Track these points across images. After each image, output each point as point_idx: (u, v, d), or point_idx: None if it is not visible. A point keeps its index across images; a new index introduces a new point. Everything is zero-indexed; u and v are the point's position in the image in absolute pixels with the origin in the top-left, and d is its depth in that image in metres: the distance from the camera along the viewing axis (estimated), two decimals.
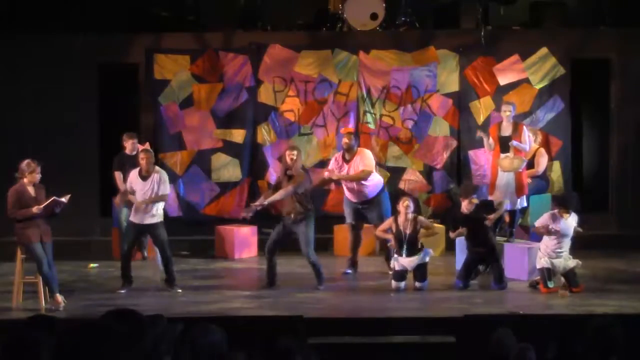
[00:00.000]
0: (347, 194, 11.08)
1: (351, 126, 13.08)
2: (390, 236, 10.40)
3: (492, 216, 10.48)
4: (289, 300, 9.94)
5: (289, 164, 10.29)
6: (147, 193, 10.24)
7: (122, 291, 10.27)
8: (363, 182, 10.90)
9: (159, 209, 10.34)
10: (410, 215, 10.30)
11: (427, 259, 10.36)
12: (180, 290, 10.28)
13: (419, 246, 10.36)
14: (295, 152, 10.34)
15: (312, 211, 10.32)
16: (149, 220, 10.28)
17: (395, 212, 10.46)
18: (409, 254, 10.25)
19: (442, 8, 13.82)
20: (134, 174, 10.39)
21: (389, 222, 10.45)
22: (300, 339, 7.52)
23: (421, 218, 10.60)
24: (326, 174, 11.18)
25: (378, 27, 13.20)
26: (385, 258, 11.18)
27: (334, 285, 10.71)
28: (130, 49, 13.26)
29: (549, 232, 10.11)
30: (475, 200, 10.49)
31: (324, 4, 13.62)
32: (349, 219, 11.17)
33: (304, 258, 10.38)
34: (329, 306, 9.78)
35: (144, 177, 10.29)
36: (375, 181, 11.02)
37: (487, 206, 10.68)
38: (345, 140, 11.09)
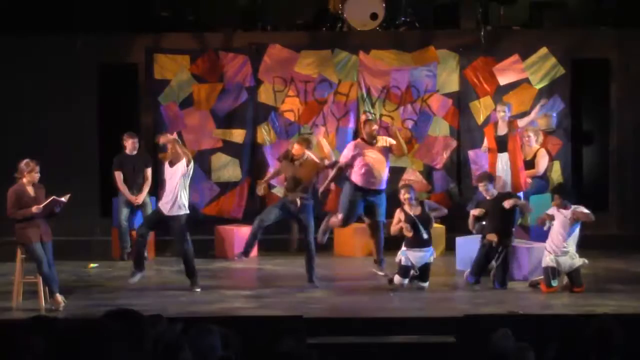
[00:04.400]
0: (363, 179, 10.81)
1: (352, 125, 13.09)
2: (404, 225, 10.28)
3: (508, 202, 10.39)
4: (289, 300, 9.95)
5: (295, 154, 10.48)
6: (174, 179, 10.26)
7: (134, 280, 10.28)
8: (385, 169, 10.87)
9: (182, 200, 10.28)
10: (414, 202, 10.34)
11: (432, 260, 10.36)
12: (198, 290, 10.29)
13: (433, 225, 10.40)
14: (296, 146, 10.54)
15: (312, 200, 10.51)
16: (171, 212, 10.26)
17: (399, 204, 10.45)
18: (428, 235, 10.23)
19: (442, 8, 13.81)
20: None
21: (396, 214, 10.42)
22: (300, 339, 7.51)
23: (427, 201, 10.66)
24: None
25: (378, 27, 13.20)
26: (374, 260, 11.19)
27: (334, 285, 10.71)
28: (130, 49, 13.26)
29: (548, 217, 10.22)
30: (483, 186, 10.47)
31: (324, 4, 13.62)
32: (345, 210, 10.90)
33: (304, 244, 10.48)
34: (329, 306, 9.78)
35: (171, 162, 10.38)
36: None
37: (506, 196, 10.61)
38: (375, 127, 10.94)
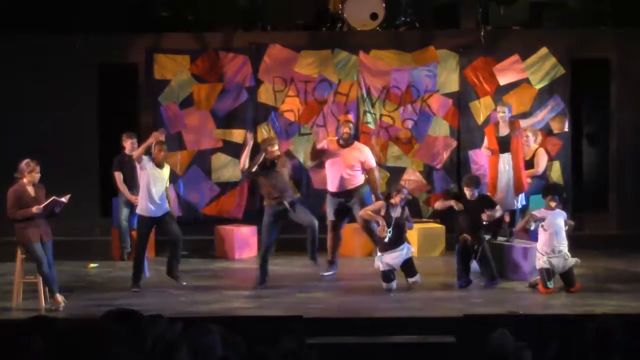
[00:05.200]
0: (330, 185, 11.09)
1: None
2: (379, 218, 10.29)
3: (486, 215, 10.41)
4: (288, 300, 9.95)
5: (275, 156, 10.50)
6: (163, 181, 10.42)
7: (138, 289, 10.34)
8: (350, 172, 11.02)
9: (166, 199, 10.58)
10: (402, 203, 10.31)
11: (410, 254, 10.35)
12: (184, 283, 10.45)
13: (405, 233, 10.36)
14: (276, 147, 10.56)
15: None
16: (164, 210, 10.45)
17: (387, 199, 10.42)
18: (395, 239, 10.21)
19: (442, 8, 13.81)
20: (148, 161, 10.43)
21: (379, 204, 10.42)
22: (299, 339, 7.50)
23: (407, 211, 10.56)
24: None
25: (378, 27, 13.20)
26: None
27: (334, 285, 10.72)
28: (130, 49, 13.26)
29: (532, 219, 10.18)
30: (469, 191, 10.45)
31: (324, 4, 13.62)
32: (330, 216, 11.18)
33: (309, 228, 10.51)
34: (329, 306, 9.77)
35: (159, 165, 10.47)
36: (360, 175, 11.15)
37: (486, 200, 10.62)
38: (346, 130, 11.10)
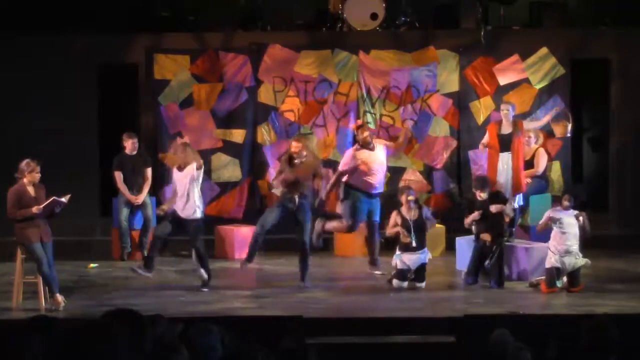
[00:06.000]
0: (374, 185, 10.97)
1: (352, 124, 13.08)
2: (401, 230, 10.28)
3: (494, 208, 10.40)
4: (288, 300, 9.95)
5: (294, 152, 10.44)
6: (184, 183, 10.18)
7: (150, 274, 10.31)
8: (384, 172, 11.14)
9: (195, 202, 10.25)
10: (413, 205, 10.33)
11: (427, 260, 10.36)
12: (205, 290, 10.27)
13: (427, 230, 10.38)
14: (295, 143, 10.56)
15: (309, 199, 10.55)
16: (186, 214, 10.23)
17: (397, 205, 10.44)
18: (419, 242, 10.23)
19: (442, 8, 13.82)
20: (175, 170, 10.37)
21: (393, 217, 10.42)
22: (299, 339, 7.50)
23: (426, 208, 10.67)
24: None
25: (378, 27, 13.21)
26: (369, 262, 11.22)
27: (334, 285, 10.71)
28: (130, 49, 13.27)
29: (551, 221, 10.13)
30: (484, 195, 10.46)
31: (324, 4, 13.62)
32: (362, 216, 11.02)
33: (298, 245, 10.39)
34: (329, 306, 9.77)
35: (179, 167, 10.28)
36: None
37: (497, 196, 10.62)
38: (366, 134, 10.99)
